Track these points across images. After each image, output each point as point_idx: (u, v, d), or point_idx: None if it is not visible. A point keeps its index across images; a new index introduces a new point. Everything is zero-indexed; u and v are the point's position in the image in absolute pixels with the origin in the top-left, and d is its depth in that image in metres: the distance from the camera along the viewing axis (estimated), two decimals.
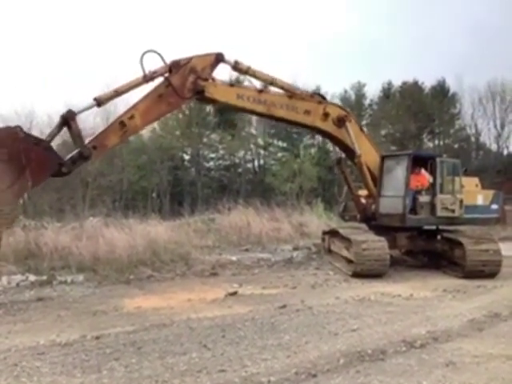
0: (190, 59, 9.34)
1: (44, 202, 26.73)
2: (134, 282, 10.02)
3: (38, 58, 61.73)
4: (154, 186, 42.39)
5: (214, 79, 9.83)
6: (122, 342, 5.76)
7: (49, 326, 6.64)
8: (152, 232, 12.99)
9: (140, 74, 8.73)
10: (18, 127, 7.58)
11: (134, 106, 8.88)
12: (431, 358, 5.09)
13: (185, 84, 9.31)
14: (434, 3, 78.87)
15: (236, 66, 10.11)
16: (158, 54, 8.83)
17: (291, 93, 10.89)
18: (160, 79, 9.10)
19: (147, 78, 8.77)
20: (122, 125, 8.68)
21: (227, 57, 9.93)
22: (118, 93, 8.53)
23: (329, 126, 11.49)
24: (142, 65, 8.58)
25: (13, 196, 7.19)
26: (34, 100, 62.80)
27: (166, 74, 9.10)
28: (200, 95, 9.71)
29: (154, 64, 8.86)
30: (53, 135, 8.07)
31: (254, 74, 10.30)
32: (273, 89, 10.87)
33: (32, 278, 9.94)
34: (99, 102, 8.44)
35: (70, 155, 8.26)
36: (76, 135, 8.24)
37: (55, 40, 67.28)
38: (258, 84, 10.52)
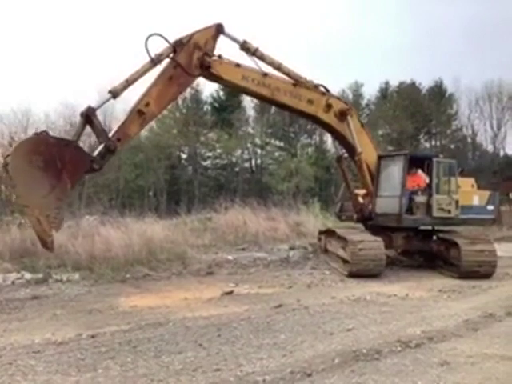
0: (191, 35, 9.32)
1: None
2: (130, 280, 10.01)
3: (34, 57, 61.52)
4: (150, 185, 42.35)
5: (220, 56, 9.84)
6: (118, 340, 5.76)
7: (44, 324, 6.63)
8: (148, 231, 12.95)
9: (145, 61, 8.66)
10: (45, 132, 7.64)
11: (147, 93, 8.85)
12: (426, 358, 5.11)
13: (191, 61, 9.31)
14: (432, 4, 79.08)
15: (244, 46, 10.10)
16: (162, 36, 8.83)
17: (296, 81, 10.87)
18: (165, 62, 9.07)
19: (155, 62, 8.75)
20: (140, 113, 8.69)
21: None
22: (129, 82, 8.47)
23: (330, 119, 11.50)
24: (147, 49, 8.52)
25: (56, 200, 7.25)
26: (31, 98, 62.59)
27: (171, 55, 9.09)
28: (207, 72, 9.70)
29: (157, 49, 8.83)
30: (78, 134, 8.07)
31: (262, 56, 10.28)
32: (277, 74, 10.80)
33: (27, 276, 9.90)
34: (114, 94, 8.40)
35: (98, 151, 8.26)
36: (100, 130, 8.25)
37: (52, 38, 67.06)
38: (263, 67, 10.51)
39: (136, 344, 5.60)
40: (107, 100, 8.52)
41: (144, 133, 40.69)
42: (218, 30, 9.71)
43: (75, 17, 68.05)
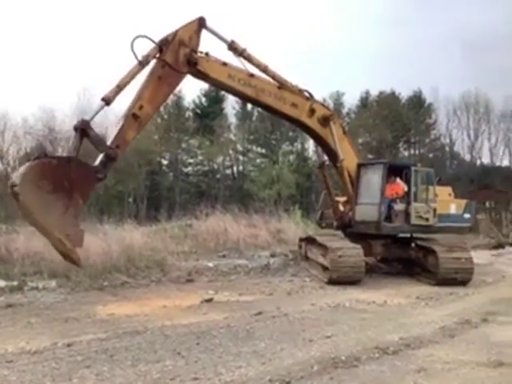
0: (175, 33, 9.32)
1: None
2: (108, 288, 9.86)
3: (12, 60, 60.49)
4: (130, 191, 41.82)
5: (208, 54, 9.87)
6: (94, 349, 5.65)
7: (18, 333, 6.46)
8: (127, 238, 12.80)
9: (132, 64, 8.60)
10: (44, 154, 7.66)
11: (139, 96, 8.80)
12: (403, 365, 5.16)
13: (178, 58, 9.31)
14: (412, 16, 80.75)
15: (232, 46, 10.14)
16: (147, 37, 8.83)
17: (281, 84, 10.98)
18: (153, 63, 9.04)
19: (143, 63, 8.71)
20: (135, 117, 8.68)
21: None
22: (120, 87, 8.40)
23: (314, 123, 11.64)
24: (133, 52, 8.47)
25: (72, 218, 7.29)
26: (8, 102, 61.50)
27: (158, 55, 9.06)
28: (194, 69, 9.70)
29: (143, 50, 8.79)
30: (77, 149, 7.99)
31: (249, 57, 10.36)
32: (262, 76, 10.86)
33: (2, 283, 9.65)
34: (107, 101, 8.31)
35: (99, 160, 8.20)
36: (98, 141, 8.19)
37: (30, 42, 66.07)
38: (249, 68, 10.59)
39: (113, 353, 5.51)
40: (101, 108, 8.42)
41: None
42: (201, 23, 9.71)
43: (53, 20, 67.23)
